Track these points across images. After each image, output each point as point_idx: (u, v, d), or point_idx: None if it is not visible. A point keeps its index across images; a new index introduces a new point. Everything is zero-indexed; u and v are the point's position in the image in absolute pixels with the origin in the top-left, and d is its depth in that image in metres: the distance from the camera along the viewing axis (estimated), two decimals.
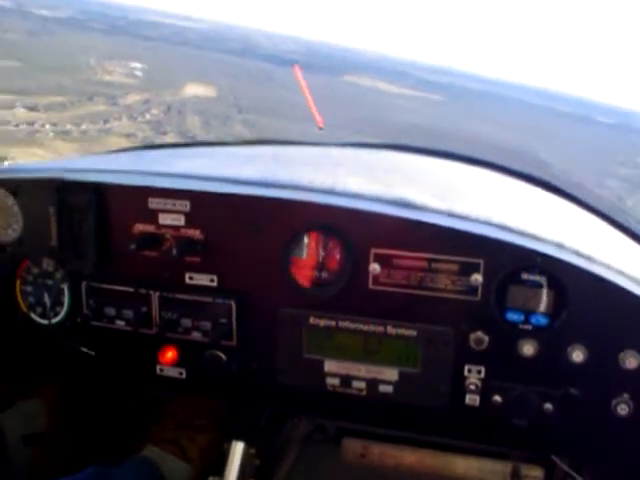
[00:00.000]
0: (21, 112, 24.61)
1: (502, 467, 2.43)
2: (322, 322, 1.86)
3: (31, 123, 23.19)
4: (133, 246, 1.88)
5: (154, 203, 1.90)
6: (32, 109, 25.68)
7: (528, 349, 1.72)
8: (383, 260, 1.77)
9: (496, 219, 1.73)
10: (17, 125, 22.29)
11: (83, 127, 35.38)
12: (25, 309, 2.11)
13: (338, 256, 1.82)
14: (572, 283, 1.66)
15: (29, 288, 2.10)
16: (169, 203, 1.89)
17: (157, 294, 1.96)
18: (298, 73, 2.65)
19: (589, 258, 1.67)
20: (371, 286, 1.80)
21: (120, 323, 2.01)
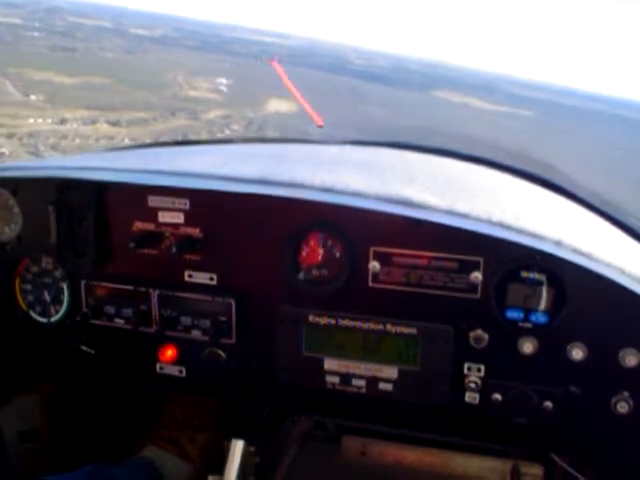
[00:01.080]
0: (104, 127, 24.97)
1: (502, 465, 2.45)
2: (322, 320, 1.86)
3: (111, 137, 23.39)
4: (132, 244, 1.89)
5: (154, 201, 1.91)
6: (114, 124, 25.94)
7: (528, 347, 1.72)
8: (383, 258, 1.77)
9: (496, 217, 1.72)
10: (97, 139, 22.63)
11: None
12: (24, 307, 2.12)
13: (338, 254, 1.82)
14: (572, 281, 1.66)
15: (28, 286, 2.11)
16: (169, 201, 1.90)
17: (156, 292, 1.97)
18: (279, 69, 2.64)
19: (589, 256, 1.66)
20: (371, 284, 1.80)
21: (119, 321, 2.02)
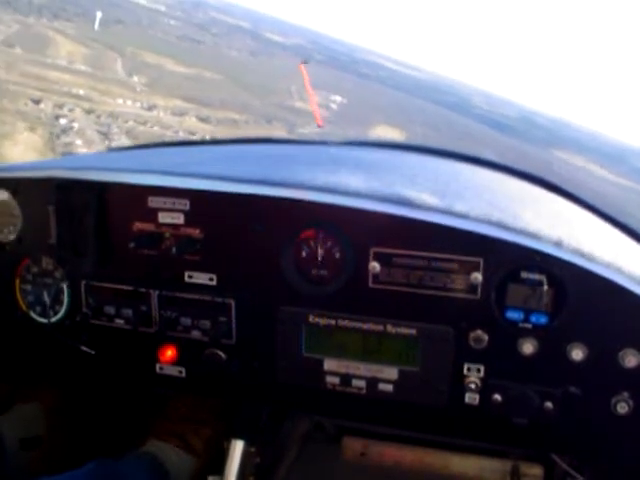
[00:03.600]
0: (191, 121, 24.46)
1: (502, 466, 2.45)
2: (322, 321, 1.86)
3: (192, 133, 22.69)
4: (133, 245, 1.90)
5: (154, 202, 1.91)
6: (203, 120, 25.28)
7: (528, 348, 1.72)
8: (383, 259, 1.78)
9: (496, 218, 1.72)
10: (177, 132, 22.00)
11: None
12: (24, 308, 2.12)
13: (338, 255, 1.83)
14: (572, 282, 1.66)
15: (28, 287, 2.11)
16: (169, 202, 1.90)
17: (156, 293, 1.97)
18: (303, 71, 2.64)
19: (589, 257, 1.66)
20: (371, 285, 1.80)
21: (119, 322, 2.02)
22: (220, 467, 2.18)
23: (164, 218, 1.92)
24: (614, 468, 1.92)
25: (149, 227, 1.94)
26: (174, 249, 1.91)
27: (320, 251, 1.83)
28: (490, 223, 1.70)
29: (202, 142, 3.01)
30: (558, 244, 1.66)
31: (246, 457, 2.20)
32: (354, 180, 1.86)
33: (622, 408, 1.69)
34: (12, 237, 2.07)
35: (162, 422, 2.33)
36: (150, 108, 23.81)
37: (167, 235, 1.93)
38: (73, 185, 1.96)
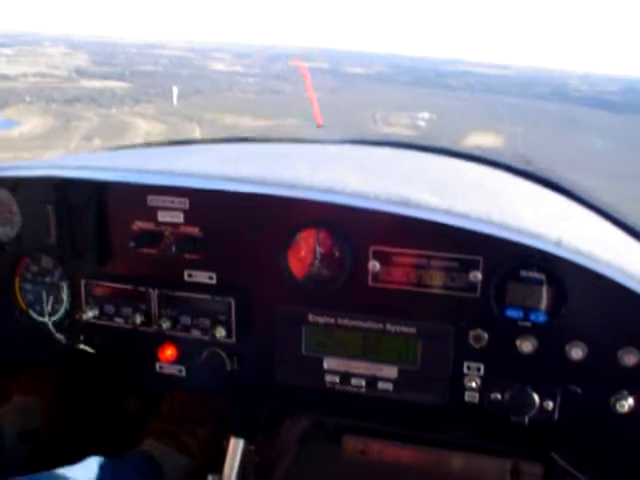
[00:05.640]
0: None
1: (502, 464, 2.46)
2: (321, 319, 1.86)
3: None
4: (132, 243, 1.90)
5: (153, 200, 1.92)
6: None
7: (527, 346, 1.72)
8: (382, 257, 1.78)
9: (495, 216, 1.71)
10: None
11: None
12: (24, 307, 2.13)
13: (337, 254, 1.82)
14: (571, 280, 1.66)
15: (28, 286, 2.11)
16: (168, 201, 1.90)
17: (156, 292, 1.97)
18: (303, 68, 2.59)
19: (588, 255, 1.65)
20: (370, 283, 1.81)
21: (119, 321, 2.02)
22: (220, 466, 2.17)
23: (163, 217, 1.93)
24: (614, 466, 1.92)
25: (148, 226, 1.95)
26: (173, 248, 1.91)
27: (319, 250, 1.83)
28: (490, 222, 1.70)
29: (202, 141, 3.02)
30: (558, 243, 1.65)
31: (246, 455, 2.19)
32: (354, 179, 1.86)
33: (621, 406, 1.68)
34: (12, 236, 2.08)
35: (158, 422, 2.34)
36: None
37: (166, 234, 1.93)
38: (72, 184, 1.97)
